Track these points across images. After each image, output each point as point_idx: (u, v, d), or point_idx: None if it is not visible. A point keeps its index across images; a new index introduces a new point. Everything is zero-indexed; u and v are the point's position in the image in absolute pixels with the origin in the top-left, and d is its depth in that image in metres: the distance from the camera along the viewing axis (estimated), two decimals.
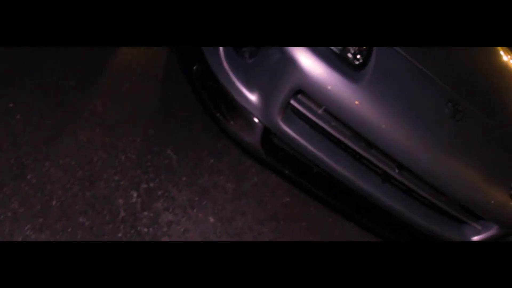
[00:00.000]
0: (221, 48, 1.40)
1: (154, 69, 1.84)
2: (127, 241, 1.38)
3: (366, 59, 1.30)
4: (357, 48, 1.32)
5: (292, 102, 1.34)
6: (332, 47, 1.29)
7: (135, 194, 1.42)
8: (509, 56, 2.27)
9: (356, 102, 1.27)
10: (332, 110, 1.31)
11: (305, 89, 1.29)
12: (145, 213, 1.41)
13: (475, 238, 1.61)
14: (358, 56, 1.31)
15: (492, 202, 1.46)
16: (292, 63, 1.26)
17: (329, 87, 1.26)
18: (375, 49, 1.32)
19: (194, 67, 1.51)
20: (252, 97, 1.38)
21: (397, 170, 1.43)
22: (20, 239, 1.18)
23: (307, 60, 1.25)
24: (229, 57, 1.41)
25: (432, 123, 1.36)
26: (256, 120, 1.41)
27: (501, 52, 2.23)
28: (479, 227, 1.60)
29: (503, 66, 2.12)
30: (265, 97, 1.36)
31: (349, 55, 1.31)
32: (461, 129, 1.39)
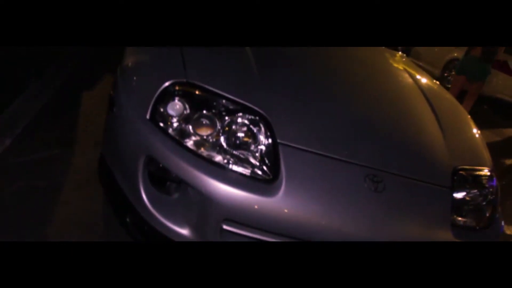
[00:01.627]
0: (143, 193, 1.43)
1: (92, 224, 1.84)
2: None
3: (276, 170, 1.37)
4: (261, 160, 1.39)
5: (225, 227, 1.37)
6: (242, 171, 1.35)
7: None
8: (411, 80, 2.32)
9: (282, 212, 1.32)
10: (262, 227, 1.35)
11: (230, 217, 1.33)
12: None
13: None
14: (265, 169, 1.37)
15: None
16: (210, 199, 1.30)
17: (251, 209, 1.31)
18: (281, 156, 1.39)
19: (127, 219, 1.53)
20: (185, 232, 1.40)
21: None
22: None
23: (222, 193, 1.30)
24: (153, 200, 1.43)
25: (358, 204, 1.41)
26: None
27: (415, 83, 2.30)
28: None
29: (411, 99, 2.15)
30: (197, 230, 1.38)
31: (259, 172, 1.37)
32: (386, 197, 1.44)
